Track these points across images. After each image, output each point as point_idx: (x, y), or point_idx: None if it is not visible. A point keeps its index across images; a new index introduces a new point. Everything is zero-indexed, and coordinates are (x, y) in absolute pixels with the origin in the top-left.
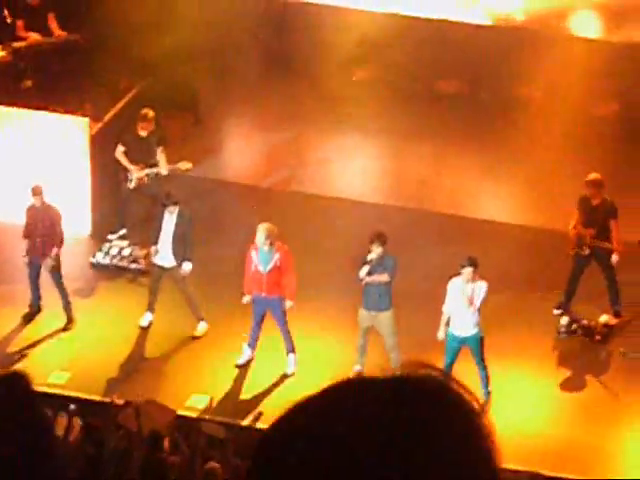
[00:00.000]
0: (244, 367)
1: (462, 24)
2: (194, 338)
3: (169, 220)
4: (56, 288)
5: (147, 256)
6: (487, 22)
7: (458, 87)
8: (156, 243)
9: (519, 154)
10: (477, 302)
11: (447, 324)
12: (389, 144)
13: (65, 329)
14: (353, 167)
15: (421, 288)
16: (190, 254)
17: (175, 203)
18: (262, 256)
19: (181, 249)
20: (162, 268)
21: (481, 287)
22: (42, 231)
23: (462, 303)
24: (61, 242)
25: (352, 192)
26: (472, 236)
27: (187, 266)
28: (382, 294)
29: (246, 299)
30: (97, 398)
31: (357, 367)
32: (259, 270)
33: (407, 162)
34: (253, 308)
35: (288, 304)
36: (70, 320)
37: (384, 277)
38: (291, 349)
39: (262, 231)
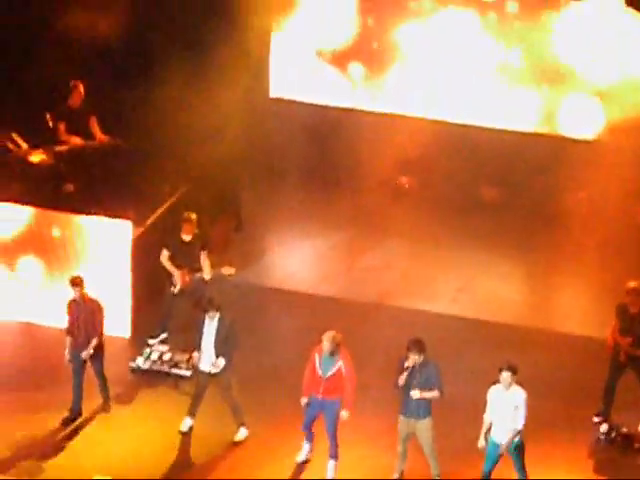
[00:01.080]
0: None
1: (505, 131)
2: (235, 444)
3: (210, 325)
4: (97, 378)
5: (189, 361)
6: (530, 129)
7: (500, 194)
8: (198, 349)
9: (560, 262)
10: (520, 411)
11: (488, 432)
12: (430, 251)
13: (104, 410)
14: (394, 274)
15: (463, 395)
16: (230, 357)
17: (217, 308)
18: (325, 361)
19: (223, 353)
20: (207, 374)
21: (520, 395)
22: (85, 324)
23: (502, 410)
24: (101, 334)
25: (393, 299)
26: (513, 343)
27: (220, 362)
28: (421, 402)
29: (304, 401)
30: None
31: (396, 475)
32: (319, 374)
33: (448, 269)
34: (306, 410)
35: (345, 414)
36: (107, 402)
37: (435, 393)
38: (334, 455)
39: (326, 339)
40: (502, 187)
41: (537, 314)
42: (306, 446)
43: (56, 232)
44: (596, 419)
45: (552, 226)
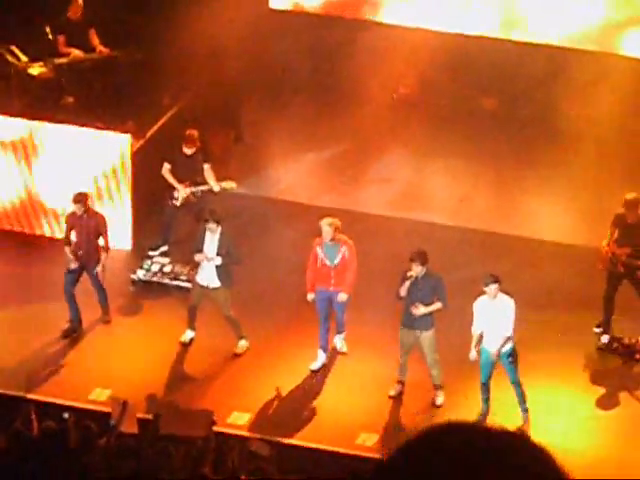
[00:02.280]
0: (317, 372)
1: (505, 41)
2: (235, 355)
3: (211, 238)
4: (96, 290)
5: (189, 273)
6: (530, 40)
7: (499, 105)
8: (198, 262)
9: (561, 171)
10: (509, 319)
11: (478, 344)
12: (430, 162)
13: (104, 321)
14: (396, 185)
15: (461, 305)
16: (230, 272)
17: (218, 221)
18: (328, 250)
19: (224, 266)
20: (204, 287)
21: (508, 303)
22: (87, 237)
23: (491, 320)
24: (109, 247)
25: (393, 209)
26: (513, 253)
27: (226, 283)
28: (424, 315)
29: (310, 297)
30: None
31: (397, 387)
32: (326, 264)
33: (448, 179)
34: (318, 305)
35: (344, 296)
36: (107, 313)
37: (438, 305)
38: (342, 330)
39: (327, 224)
40: (503, 98)
41: (537, 225)
42: (322, 355)
43: (56, 145)
44: (597, 330)
45: (552, 139)
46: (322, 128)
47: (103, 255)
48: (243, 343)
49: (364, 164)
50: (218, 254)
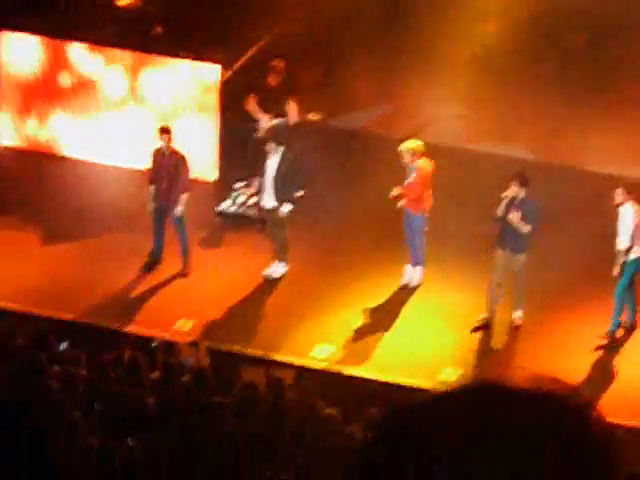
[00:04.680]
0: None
1: None
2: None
3: (273, 160)
4: (178, 235)
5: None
6: None
7: (585, 40)
8: (261, 185)
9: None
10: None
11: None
12: (516, 96)
13: (182, 275)
14: (480, 118)
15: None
16: (290, 196)
17: (280, 143)
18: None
19: (283, 190)
20: (267, 210)
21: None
22: (168, 176)
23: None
24: (186, 189)
25: (478, 144)
26: (596, 190)
27: (286, 207)
28: (518, 236)
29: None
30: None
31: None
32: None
33: (533, 114)
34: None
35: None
36: (187, 266)
37: (526, 228)
38: (420, 262)
39: (406, 149)
40: (587, 32)
41: (617, 159)
42: (409, 270)
43: (145, 75)
44: None
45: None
46: (411, 64)
47: (182, 196)
48: (281, 268)
49: (446, 98)
50: (277, 177)
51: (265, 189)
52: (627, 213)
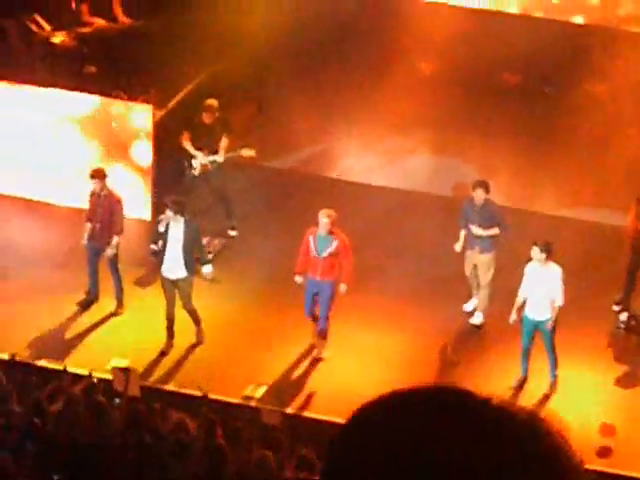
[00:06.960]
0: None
1: (527, 18)
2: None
3: (175, 229)
4: (111, 274)
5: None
6: (554, 17)
7: (522, 81)
8: (162, 249)
9: (581, 149)
10: (558, 287)
11: (520, 309)
12: (450, 137)
13: (115, 314)
14: (416, 161)
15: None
16: (193, 266)
17: (181, 212)
18: (320, 242)
19: (192, 258)
20: (171, 281)
21: (557, 272)
22: (101, 217)
23: (538, 287)
24: (120, 230)
25: (414, 185)
26: (530, 229)
27: (207, 269)
28: (484, 238)
29: (299, 279)
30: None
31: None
32: (315, 255)
33: (465, 155)
34: (306, 289)
35: (344, 287)
36: (120, 306)
37: (495, 231)
38: (324, 336)
39: (325, 216)
40: (523, 73)
41: (553, 200)
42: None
43: (78, 114)
44: (616, 307)
45: (573, 116)
46: (343, 100)
47: (115, 238)
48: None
49: (386, 137)
50: (184, 247)
51: (168, 257)
52: (556, 273)
